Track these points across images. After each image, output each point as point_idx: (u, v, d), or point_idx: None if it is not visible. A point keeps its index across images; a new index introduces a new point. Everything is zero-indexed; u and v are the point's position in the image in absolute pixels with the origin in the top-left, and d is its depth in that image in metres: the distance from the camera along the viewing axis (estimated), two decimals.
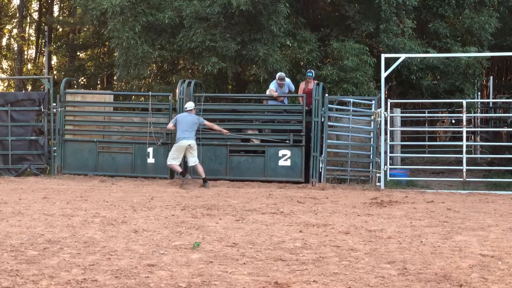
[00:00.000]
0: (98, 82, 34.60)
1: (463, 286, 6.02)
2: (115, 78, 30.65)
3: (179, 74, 22.60)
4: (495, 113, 21.77)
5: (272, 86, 17.28)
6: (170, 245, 7.64)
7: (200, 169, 15.27)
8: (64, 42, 37.94)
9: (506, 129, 19.75)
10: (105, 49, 34.46)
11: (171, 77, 22.26)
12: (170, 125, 15.63)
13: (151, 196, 12.77)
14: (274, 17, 19.45)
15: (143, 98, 22.37)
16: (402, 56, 16.66)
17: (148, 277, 6.12)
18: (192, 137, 15.32)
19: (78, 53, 37.09)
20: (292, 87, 17.50)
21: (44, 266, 6.50)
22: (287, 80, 17.57)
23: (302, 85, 17.41)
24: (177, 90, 17.22)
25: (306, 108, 16.70)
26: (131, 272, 6.29)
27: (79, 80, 25.35)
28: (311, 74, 17.40)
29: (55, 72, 35.76)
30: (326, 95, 16.78)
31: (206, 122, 15.70)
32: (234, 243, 7.84)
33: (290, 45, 20.48)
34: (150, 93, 17.94)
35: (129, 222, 9.37)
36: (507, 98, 23.72)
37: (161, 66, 23.66)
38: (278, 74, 17.45)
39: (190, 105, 15.76)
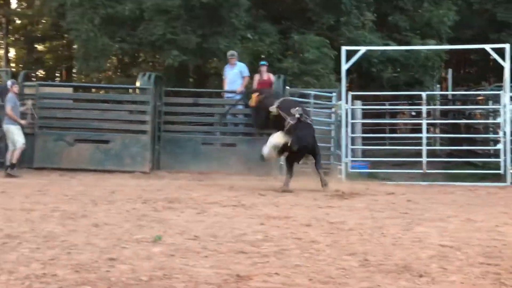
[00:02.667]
0: (57, 74, 34.24)
1: (423, 276, 6.07)
2: (74, 70, 30.37)
3: (140, 66, 22.47)
4: (454, 105, 21.98)
5: (224, 73, 17.38)
6: (131, 239, 7.59)
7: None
8: (22, 34, 37.46)
9: (464, 121, 19.97)
10: (64, 41, 34.11)
11: (132, 70, 22.12)
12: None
13: (112, 189, 12.67)
14: (235, 10, 19.44)
15: (103, 91, 22.18)
16: (363, 49, 16.75)
17: (109, 271, 6.07)
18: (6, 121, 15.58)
19: (37, 46, 36.66)
20: (246, 72, 17.41)
21: (3, 261, 6.42)
22: (242, 64, 17.56)
23: (256, 77, 17.37)
24: (137, 83, 17.13)
25: None
26: (92, 266, 6.24)
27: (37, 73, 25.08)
28: (264, 63, 17.42)
29: (13, 65, 35.31)
30: (287, 87, 16.81)
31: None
32: (195, 236, 7.81)
33: (251, 38, 20.49)
34: (135, 85, 17.68)
35: (89, 216, 9.29)
36: (466, 90, 23.96)
37: (122, 59, 23.52)
38: (229, 51, 17.55)
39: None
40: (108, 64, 22.58)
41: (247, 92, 17.65)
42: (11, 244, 7.21)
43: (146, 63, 23.63)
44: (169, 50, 19.64)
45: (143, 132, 16.42)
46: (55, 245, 7.18)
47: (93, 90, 23.50)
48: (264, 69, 17.28)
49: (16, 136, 15.71)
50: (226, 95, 17.64)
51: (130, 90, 19.22)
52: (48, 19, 31.18)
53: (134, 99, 17.50)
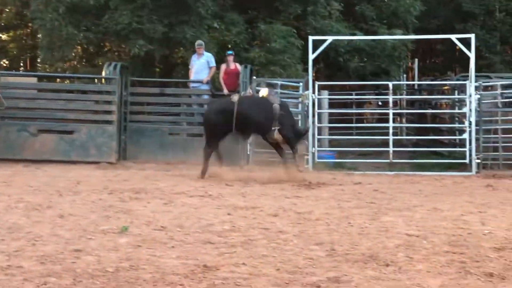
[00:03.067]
0: (21, 64, 33.85)
1: (389, 265, 6.10)
2: (38, 60, 30.04)
3: (105, 56, 22.28)
4: (420, 95, 22.12)
5: (191, 63, 17.35)
6: (97, 230, 7.53)
7: None
8: None
9: (430, 111, 20.10)
10: (28, 30, 33.71)
11: (97, 60, 21.94)
12: None
13: (77, 180, 12.56)
14: None
15: (68, 81, 21.97)
16: (330, 39, 16.78)
17: (74, 262, 6.02)
18: None
19: (0, 35, 36.17)
20: (213, 62, 17.38)
21: None
22: (209, 54, 17.55)
23: (223, 67, 17.33)
24: (103, 73, 16.99)
25: (228, 89, 16.67)
26: (57, 257, 6.18)
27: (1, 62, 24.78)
28: (231, 52, 17.41)
29: None
30: (254, 77, 16.79)
31: None
32: (162, 227, 7.77)
33: (218, 27, 20.40)
34: (100, 75, 17.50)
35: (54, 207, 9.19)
36: (432, 80, 24.12)
37: (87, 48, 23.30)
38: (197, 41, 17.53)
39: None
40: (73, 54, 22.36)
41: (213, 82, 17.63)
42: None
43: (112, 53, 23.45)
44: (135, 40, 19.52)
45: (109, 122, 16.28)
46: (20, 237, 7.10)
47: (58, 80, 23.28)
48: (231, 58, 17.26)
49: None
50: (192, 85, 17.58)
51: (96, 80, 19.05)
52: (12, 8, 30.79)
53: (100, 89, 17.34)
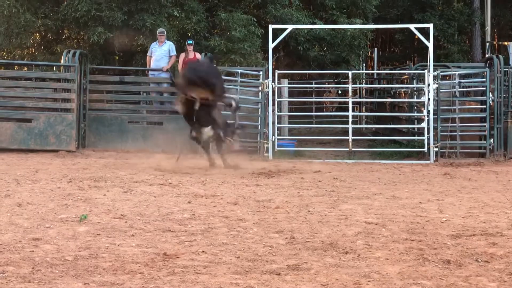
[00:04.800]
0: None
1: (349, 253, 6.16)
2: None
3: (64, 44, 22.02)
4: (379, 84, 22.26)
5: (150, 50, 17.31)
6: (56, 218, 7.48)
7: None
8: None
9: (389, 100, 20.25)
10: None
11: (56, 47, 21.70)
12: None
13: (36, 168, 12.44)
14: None
15: (26, 68, 21.69)
16: (290, 27, 16.83)
17: (33, 251, 5.98)
18: None
19: None
20: (174, 51, 17.34)
21: None
22: (170, 43, 17.51)
23: (182, 56, 17.28)
24: (61, 61, 16.83)
25: None
26: (15, 246, 6.13)
27: None
28: (191, 42, 17.38)
29: None
30: (214, 65, 16.75)
31: None
32: (122, 215, 7.75)
33: (178, 15, 20.29)
34: (59, 63, 17.29)
35: (12, 195, 9.11)
36: (391, 69, 24.30)
37: (45, 35, 22.99)
38: (159, 29, 17.51)
39: None
40: (31, 41, 22.07)
41: (173, 71, 17.55)
42: None
43: (71, 40, 23.17)
44: (94, 27, 19.34)
45: (68, 110, 16.15)
46: None
47: (16, 67, 22.98)
48: (190, 48, 17.21)
49: None
50: (151, 73, 17.51)
51: (55, 68, 18.85)
52: None
53: (59, 76, 17.16)
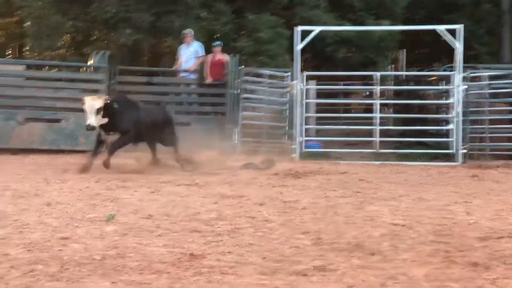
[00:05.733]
0: (10, 52, 33.67)
1: (375, 254, 6.14)
2: (27, 48, 29.91)
3: (93, 45, 22.20)
4: (407, 85, 22.15)
5: (179, 52, 17.34)
6: (84, 218, 7.54)
7: None
8: None
9: (417, 101, 20.15)
10: (16, 18, 33.49)
11: (85, 48, 21.88)
12: None
13: (64, 168, 12.55)
14: None
15: (56, 69, 21.89)
16: (317, 29, 16.79)
17: (61, 250, 6.04)
18: None
19: None
20: (202, 51, 17.38)
21: None
22: (198, 43, 17.55)
23: (209, 57, 17.33)
24: (91, 62, 16.97)
25: (212, 80, 16.72)
26: (44, 245, 6.19)
27: None
28: (218, 43, 17.42)
29: None
30: (242, 67, 16.82)
31: None
32: (149, 215, 7.79)
33: (206, 17, 20.38)
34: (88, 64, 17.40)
35: (41, 195, 9.20)
36: (419, 71, 24.17)
37: (75, 36, 23.21)
38: (183, 30, 17.55)
39: None
40: (61, 42, 22.28)
41: (201, 72, 17.62)
42: None
43: (100, 41, 23.35)
44: (122, 29, 19.50)
45: None
46: (6, 224, 7.10)
47: (46, 68, 23.19)
48: (217, 49, 17.28)
49: None
50: (181, 74, 17.59)
51: (84, 69, 19.02)
52: None
53: (88, 77, 17.31)
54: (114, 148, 12.70)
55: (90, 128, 12.27)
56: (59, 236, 6.59)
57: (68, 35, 23.16)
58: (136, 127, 13.01)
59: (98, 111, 12.16)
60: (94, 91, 16.34)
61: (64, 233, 6.74)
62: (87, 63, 18.13)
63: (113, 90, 13.52)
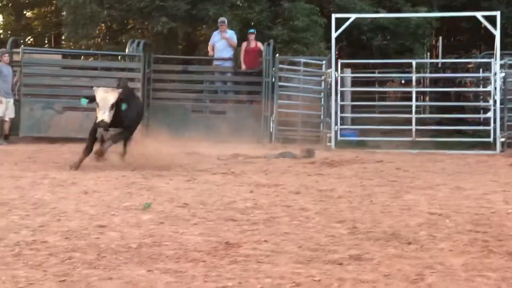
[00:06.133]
0: (46, 41, 33.97)
1: (411, 243, 6.10)
2: (63, 37, 30.15)
3: (129, 34, 22.32)
4: (444, 73, 21.96)
5: (212, 39, 17.32)
6: (120, 206, 7.59)
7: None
8: (10, 0, 37.04)
9: (454, 89, 19.97)
10: (53, 8, 33.76)
11: (121, 37, 21.99)
12: None
13: None
14: None
15: (92, 58, 22.02)
16: (353, 17, 16.69)
17: (98, 238, 6.08)
18: None
19: (25, 12, 36.26)
20: (235, 39, 17.39)
21: None
22: (231, 31, 17.55)
23: (244, 45, 17.32)
24: (126, 50, 17.06)
25: (247, 67, 16.72)
26: (82, 233, 6.24)
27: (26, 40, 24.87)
28: (253, 31, 17.39)
29: (0, 32, 34.99)
30: (277, 55, 16.78)
31: None
32: (185, 204, 7.82)
33: (241, 5, 20.35)
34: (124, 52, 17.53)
35: (79, 183, 9.28)
36: (456, 58, 23.93)
37: (110, 25, 23.34)
38: (220, 18, 17.52)
39: None
40: (97, 31, 22.43)
41: (236, 60, 17.62)
42: (1, 211, 7.20)
43: (135, 30, 23.49)
44: (158, 17, 19.54)
45: None
46: (45, 212, 7.18)
47: (82, 57, 23.37)
48: (252, 37, 17.25)
49: None
50: (215, 62, 17.61)
51: (120, 57, 19.13)
52: None
53: (124, 66, 17.41)
54: (116, 140, 11.59)
55: (104, 124, 10.90)
56: (96, 224, 6.64)
57: (103, 24, 23.29)
58: (138, 120, 12.52)
59: (112, 106, 10.88)
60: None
61: (101, 221, 6.79)
62: (122, 52, 18.23)
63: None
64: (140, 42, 17.02)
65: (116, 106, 10.95)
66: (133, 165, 11.28)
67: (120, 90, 11.25)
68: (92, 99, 11.04)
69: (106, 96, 10.92)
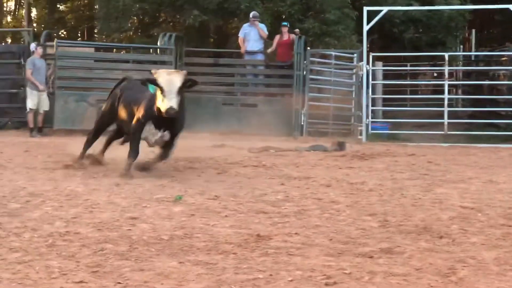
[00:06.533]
0: (79, 35, 34.25)
1: (443, 237, 6.07)
2: (95, 31, 30.38)
3: (161, 27, 22.42)
4: (477, 66, 21.78)
5: (242, 32, 17.32)
6: (152, 198, 7.63)
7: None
8: None
9: (487, 82, 19.80)
10: (86, 1, 34.03)
11: (152, 30, 22.09)
12: None
13: None
14: None
15: (124, 51, 22.16)
16: (385, 9, 16.62)
17: (130, 230, 6.13)
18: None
19: (58, 6, 36.59)
20: (266, 31, 17.41)
21: (27, 219, 6.49)
22: (262, 25, 17.56)
23: (277, 38, 17.33)
24: (158, 43, 17.14)
25: (280, 60, 16.74)
26: (113, 225, 6.29)
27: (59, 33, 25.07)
28: (286, 24, 17.39)
29: (34, 25, 35.32)
30: (308, 48, 16.76)
31: None
32: (216, 196, 7.84)
33: None
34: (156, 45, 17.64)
35: (110, 175, 9.34)
36: (489, 51, 23.72)
37: (142, 19, 23.45)
38: (252, 12, 17.53)
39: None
40: (129, 24, 22.57)
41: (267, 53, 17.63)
42: (35, 202, 7.28)
43: (167, 23, 23.59)
44: (189, 10, 19.61)
45: None
46: (77, 204, 7.24)
47: (114, 50, 23.53)
48: (285, 29, 17.26)
49: (29, 99, 15.92)
50: (247, 56, 17.63)
51: (151, 50, 19.22)
52: None
53: (156, 59, 17.49)
54: (171, 150, 9.87)
55: (173, 112, 8.99)
56: (128, 216, 6.68)
57: (135, 17, 23.42)
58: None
59: (179, 90, 9.17)
60: None
61: (132, 213, 6.83)
62: (154, 45, 18.32)
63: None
64: (172, 35, 17.10)
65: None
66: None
67: (185, 71, 9.73)
68: (152, 83, 9.30)
69: (172, 78, 9.24)
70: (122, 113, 10.10)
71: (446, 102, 16.00)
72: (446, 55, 16.81)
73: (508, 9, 16.36)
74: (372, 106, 16.22)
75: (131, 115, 9.81)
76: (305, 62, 16.37)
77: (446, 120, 15.73)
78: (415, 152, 13.20)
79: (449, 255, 5.49)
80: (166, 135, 9.54)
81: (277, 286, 4.64)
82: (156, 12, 22.34)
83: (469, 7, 21.39)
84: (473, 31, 25.31)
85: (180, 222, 6.49)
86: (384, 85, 19.52)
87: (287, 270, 4.95)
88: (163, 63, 16.75)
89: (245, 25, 17.66)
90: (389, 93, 20.21)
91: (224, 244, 5.70)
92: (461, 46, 25.19)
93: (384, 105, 19.07)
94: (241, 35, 17.66)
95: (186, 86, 9.42)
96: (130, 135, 9.85)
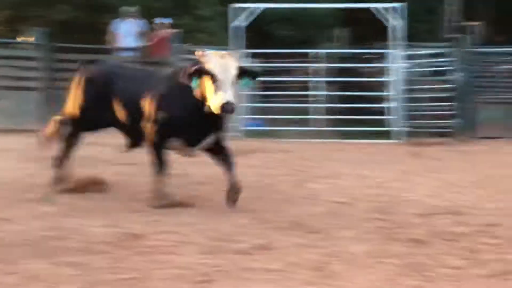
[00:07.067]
0: None
1: (316, 232, 6.18)
2: None
3: (31, 22, 21.85)
4: (346, 63, 22.23)
5: (114, 27, 17.14)
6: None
7: None
8: None
9: (356, 79, 20.23)
10: None
11: (23, 25, 21.50)
12: None
13: None
14: None
15: None
16: (251, 7, 16.84)
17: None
18: None
19: None
20: (141, 27, 17.24)
21: None
22: (137, 20, 17.35)
23: (151, 34, 17.17)
24: (29, 39, 16.70)
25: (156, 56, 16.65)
26: None
27: None
28: (164, 20, 17.26)
29: None
30: (182, 44, 16.72)
31: None
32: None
33: None
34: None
35: None
36: (360, 49, 24.26)
37: (10, 13, 22.77)
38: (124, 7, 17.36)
39: None
40: None
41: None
42: None
43: (37, 18, 23.00)
44: (59, 5, 19.20)
45: (34, 89, 15.97)
46: None
47: None
48: (159, 25, 17.09)
49: None
50: (120, 52, 17.38)
51: (21, 46, 18.69)
52: None
53: (25, 55, 16.99)
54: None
55: (231, 108, 6.75)
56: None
57: (5, 12, 22.74)
58: None
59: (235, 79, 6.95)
60: (30, 69, 16.04)
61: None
62: (24, 40, 17.85)
63: None
64: (42, 31, 16.67)
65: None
66: None
67: (237, 53, 8.04)
68: (200, 72, 6.91)
69: (227, 63, 6.92)
70: (121, 113, 7.71)
71: (310, 99, 16.37)
72: (310, 52, 17.18)
73: (374, 8, 16.81)
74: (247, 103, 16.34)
75: (136, 114, 7.48)
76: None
77: (312, 117, 16.05)
78: (287, 148, 13.31)
79: (322, 249, 5.59)
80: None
81: (151, 286, 4.61)
82: (27, 6, 21.76)
83: (339, 5, 21.85)
84: (345, 29, 25.81)
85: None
86: (263, 82, 19.69)
87: (161, 269, 4.92)
88: (32, 59, 16.29)
89: (117, 20, 17.37)
90: (266, 90, 20.39)
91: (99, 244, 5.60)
92: (335, 44, 25.64)
93: (259, 102, 19.19)
94: (113, 30, 17.37)
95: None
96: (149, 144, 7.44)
